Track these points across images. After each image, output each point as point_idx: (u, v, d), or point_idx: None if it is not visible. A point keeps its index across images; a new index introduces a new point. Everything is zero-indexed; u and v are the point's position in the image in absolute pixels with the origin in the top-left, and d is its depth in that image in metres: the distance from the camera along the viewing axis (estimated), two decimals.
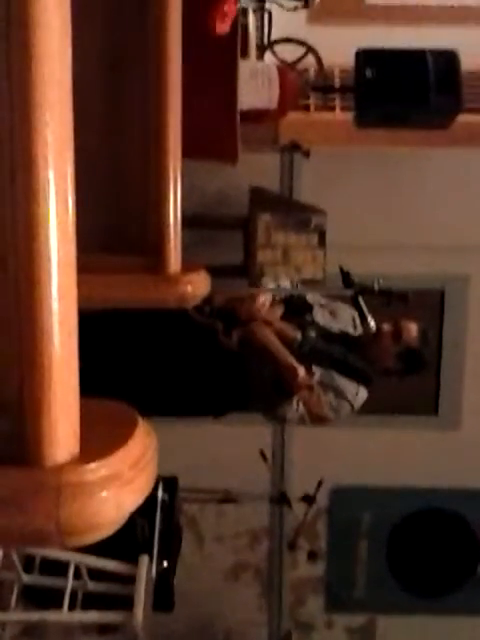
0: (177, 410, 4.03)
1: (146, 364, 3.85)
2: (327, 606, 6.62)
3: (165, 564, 4.79)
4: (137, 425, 1.26)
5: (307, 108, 5.60)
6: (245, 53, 4.21)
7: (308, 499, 5.53)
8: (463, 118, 4.59)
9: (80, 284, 1.16)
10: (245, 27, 4.13)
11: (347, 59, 4.60)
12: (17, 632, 4.44)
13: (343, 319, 4.04)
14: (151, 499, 4.53)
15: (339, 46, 4.87)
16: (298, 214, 5.37)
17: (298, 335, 3.82)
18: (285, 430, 6.14)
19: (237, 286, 4.66)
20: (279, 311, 3.93)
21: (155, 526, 4.81)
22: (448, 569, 6.51)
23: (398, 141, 5.52)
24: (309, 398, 3.77)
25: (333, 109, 5.65)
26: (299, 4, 3.99)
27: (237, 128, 3.61)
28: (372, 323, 3.77)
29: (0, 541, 1.47)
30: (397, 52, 4.45)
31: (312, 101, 5.58)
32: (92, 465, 1.15)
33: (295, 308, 3.98)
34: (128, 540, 4.44)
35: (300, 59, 5.00)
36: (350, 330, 4.01)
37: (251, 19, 4.34)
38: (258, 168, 5.54)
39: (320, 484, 5.52)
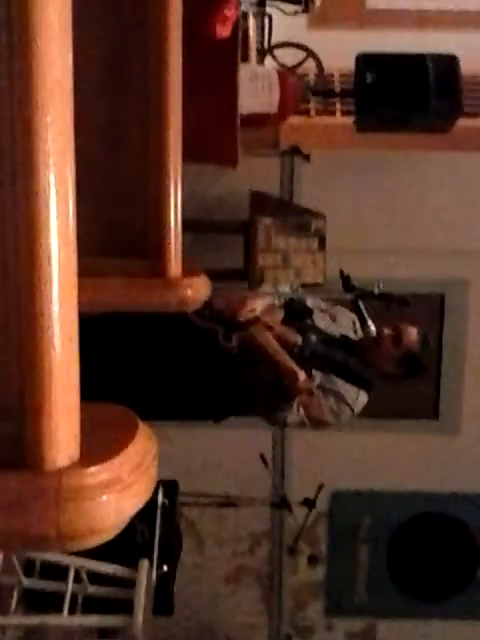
0: (177, 414, 4.03)
1: (146, 368, 3.85)
2: (327, 610, 6.61)
3: (165, 568, 4.79)
4: (137, 429, 1.26)
5: (307, 112, 5.61)
6: (245, 57, 4.21)
7: (308, 503, 5.52)
8: (463, 122, 4.61)
9: (80, 288, 1.16)
10: (245, 31, 4.14)
11: (347, 63, 4.61)
12: (17, 636, 4.43)
13: (343, 323, 4.04)
14: (151, 503, 4.53)
15: (339, 51, 4.88)
16: (298, 218, 5.38)
17: (298, 339, 3.81)
18: (285, 434, 6.14)
19: (238, 290, 4.65)
20: (279, 315, 3.93)
21: (155, 530, 4.81)
22: (448, 573, 6.50)
23: (398, 145, 5.52)
24: (309, 402, 3.76)
25: (333, 113, 5.66)
26: (299, 9, 4.00)
27: (237, 132, 3.62)
28: (372, 327, 3.77)
29: (1, 544, 1.47)
30: (397, 57, 4.46)
31: (312, 105, 5.59)
32: (92, 469, 1.15)
33: (295, 312, 3.97)
34: (128, 544, 4.43)
35: (300, 63, 5.01)
36: (350, 334, 4.01)
37: (251, 23, 4.35)
38: (258, 172, 5.55)
39: (320, 488, 5.52)
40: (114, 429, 1.26)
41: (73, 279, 1.14)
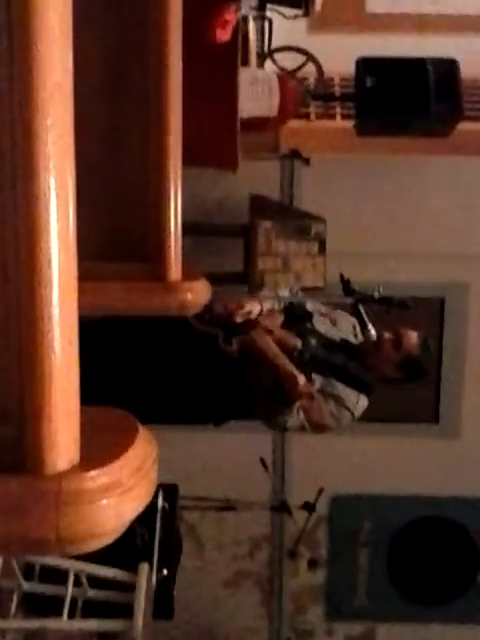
0: (177, 418, 4.02)
1: (146, 372, 3.85)
2: (327, 614, 6.61)
3: (165, 572, 4.78)
4: (137, 433, 1.26)
5: (307, 116, 5.61)
6: (245, 61, 4.21)
7: (308, 507, 5.52)
8: (463, 126, 4.61)
9: (80, 292, 1.16)
10: (245, 35, 4.14)
11: (347, 67, 4.62)
12: None
13: (343, 327, 4.04)
14: (151, 507, 4.52)
15: (339, 54, 4.89)
16: (298, 222, 5.38)
17: (298, 343, 3.81)
18: (285, 438, 6.14)
19: (238, 294, 4.65)
20: (279, 319, 3.93)
21: (155, 534, 4.80)
22: (448, 578, 6.50)
23: (398, 149, 5.52)
24: (309, 406, 3.76)
25: (333, 117, 5.66)
26: (300, 13, 4.00)
27: (237, 136, 3.62)
28: (372, 331, 3.77)
29: (0, 548, 1.47)
30: (397, 60, 4.46)
31: (312, 109, 5.59)
32: (92, 473, 1.15)
33: (295, 316, 3.97)
34: (128, 548, 4.43)
35: (300, 67, 5.01)
36: (350, 338, 4.01)
37: (252, 27, 4.35)
38: (258, 176, 5.55)
39: (320, 492, 5.52)
40: (114, 433, 1.26)
41: (73, 282, 1.14)
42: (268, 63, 4.84)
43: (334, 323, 4.04)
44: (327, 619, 6.62)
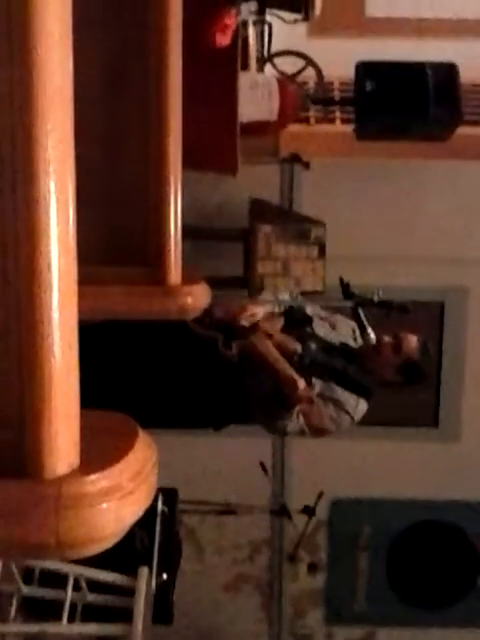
0: (177, 422, 4.02)
1: (146, 376, 3.85)
2: (327, 618, 6.60)
3: (165, 576, 4.78)
4: (137, 437, 1.26)
5: (307, 120, 5.62)
6: (245, 65, 4.22)
7: (308, 511, 5.52)
8: (462, 130, 4.61)
9: (80, 296, 1.16)
10: (245, 40, 4.14)
11: (347, 72, 4.62)
12: None
13: (343, 331, 4.04)
14: (151, 511, 4.52)
15: (339, 59, 4.89)
16: (298, 226, 5.38)
17: (298, 347, 3.81)
18: (285, 442, 6.14)
19: (238, 298, 4.65)
20: (279, 323, 3.93)
21: (155, 538, 4.80)
22: (448, 581, 6.50)
23: (398, 153, 5.53)
24: (309, 410, 3.76)
25: (333, 121, 5.66)
26: (299, 17, 4.00)
27: (237, 140, 3.62)
28: (372, 335, 3.77)
29: (0, 552, 1.47)
30: (397, 65, 4.46)
31: (312, 113, 5.59)
32: (92, 477, 1.15)
33: (295, 320, 3.97)
34: (128, 552, 4.43)
35: (300, 71, 5.02)
36: (350, 342, 4.01)
37: (251, 32, 4.35)
38: (258, 180, 5.55)
39: (320, 496, 5.51)
40: (114, 437, 1.26)
41: (73, 286, 1.14)
42: (268, 67, 4.84)
43: (334, 327, 4.04)
44: (327, 623, 6.62)
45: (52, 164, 1.08)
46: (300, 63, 5.02)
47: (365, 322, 3.78)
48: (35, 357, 1.12)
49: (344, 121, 5.47)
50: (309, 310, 4.05)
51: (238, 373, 3.82)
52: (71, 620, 4.27)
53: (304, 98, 4.43)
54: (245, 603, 6.52)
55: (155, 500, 4.77)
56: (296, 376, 3.68)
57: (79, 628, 4.30)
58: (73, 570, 4.27)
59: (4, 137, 1.09)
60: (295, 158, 5.55)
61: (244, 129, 3.70)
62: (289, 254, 5.28)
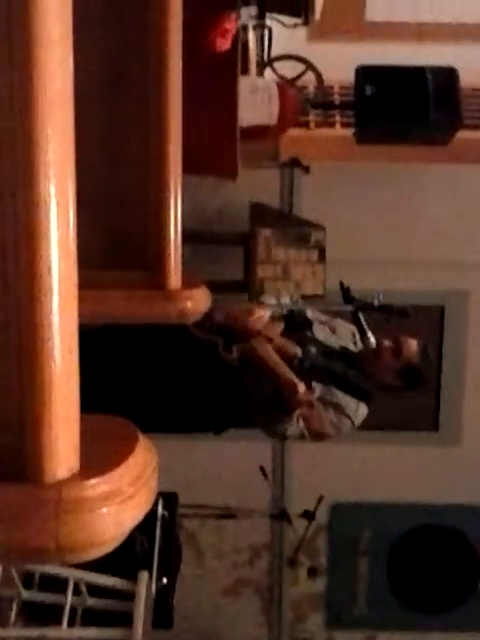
0: (177, 426, 4.02)
1: (146, 380, 3.85)
2: (327, 622, 6.60)
3: (165, 580, 4.78)
4: (137, 441, 1.26)
5: (307, 124, 5.62)
6: (245, 70, 4.22)
7: (308, 515, 5.51)
8: (462, 134, 4.61)
9: (80, 300, 1.16)
10: (245, 44, 4.15)
11: (347, 76, 4.63)
12: None
13: (343, 335, 4.03)
14: (151, 515, 4.52)
15: (339, 63, 4.89)
16: (298, 230, 5.38)
17: (298, 351, 3.81)
18: (285, 446, 6.13)
19: (238, 302, 4.66)
20: (279, 327, 3.93)
21: (155, 542, 4.80)
22: (449, 585, 6.49)
23: (398, 157, 5.53)
24: (309, 414, 3.76)
25: (333, 125, 5.67)
26: (299, 21, 4.01)
27: (237, 144, 3.63)
28: (372, 339, 3.77)
29: (0, 557, 1.47)
30: (396, 69, 4.47)
31: (312, 117, 5.60)
32: (92, 481, 1.15)
33: (295, 324, 3.97)
34: (127, 556, 4.43)
35: (300, 76, 5.02)
36: (350, 346, 4.01)
37: (251, 36, 4.36)
38: (258, 184, 5.56)
39: (320, 500, 5.51)
40: (114, 441, 1.26)
41: (73, 290, 1.14)
42: (268, 72, 4.85)
43: (334, 331, 4.03)
44: (327, 628, 6.61)
45: (52, 168, 1.08)
46: (300, 67, 5.02)
47: (365, 326, 3.78)
48: (35, 361, 1.12)
49: (344, 125, 5.47)
50: (309, 314, 4.04)
51: (238, 377, 3.81)
52: (71, 624, 4.27)
53: (304, 102, 4.44)
54: (245, 607, 6.52)
55: (155, 504, 4.77)
56: (296, 380, 3.68)
57: (79, 632, 4.29)
58: (73, 574, 4.26)
59: (4, 140, 1.09)
60: (295, 162, 5.55)
61: (244, 133, 3.71)
62: (289, 258, 5.28)
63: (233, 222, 5.74)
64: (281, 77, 4.85)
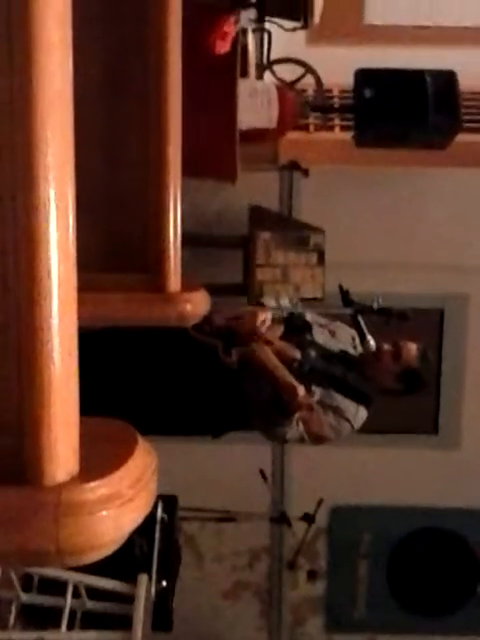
0: (177, 429, 4.02)
1: (146, 383, 3.85)
2: (327, 626, 6.59)
3: (164, 583, 4.77)
4: (137, 444, 1.26)
5: (306, 128, 5.62)
6: (245, 73, 4.22)
7: (308, 518, 5.51)
8: (461, 138, 4.61)
9: (80, 302, 1.17)
10: (245, 47, 4.15)
11: (346, 79, 4.62)
12: None
13: (343, 339, 4.03)
14: (150, 518, 4.52)
15: (338, 66, 4.89)
16: (297, 233, 5.38)
17: (298, 355, 3.81)
18: (285, 449, 6.13)
19: (237, 305, 4.66)
20: (279, 330, 3.93)
21: (154, 545, 4.79)
22: (448, 589, 6.48)
23: (397, 160, 5.53)
24: (309, 418, 3.76)
25: (332, 129, 5.67)
26: (298, 25, 4.01)
27: (236, 147, 3.63)
28: (371, 342, 3.77)
29: None
30: (396, 72, 4.47)
31: (311, 121, 5.60)
32: (92, 484, 1.15)
33: (295, 327, 3.97)
34: (127, 559, 4.42)
35: (299, 79, 5.02)
36: (350, 350, 4.01)
37: (251, 39, 4.36)
38: (258, 187, 5.56)
39: (320, 503, 5.51)
40: (113, 444, 1.26)
41: (73, 293, 1.14)
42: (267, 75, 4.85)
43: (333, 334, 4.03)
44: (326, 631, 6.60)
45: (52, 171, 1.08)
46: (299, 70, 5.02)
47: (365, 329, 3.78)
48: (35, 364, 1.12)
49: (343, 128, 5.47)
50: (309, 317, 4.05)
51: (238, 380, 3.81)
52: (70, 627, 4.26)
53: (303, 105, 4.43)
54: (244, 610, 6.51)
55: (154, 507, 4.77)
56: (296, 383, 3.67)
57: (78, 635, 4.29)
58: (72, 577, 4.26)
59: (4, 143, 1.09)
60: (294, 165, 5.55)
61: (243, 136, 3.71)
62: (288, 261, 5.28)
63: (232, 225, 5.74)
64: (280, 80, 4.85)
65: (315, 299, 5.17)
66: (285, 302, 4.22)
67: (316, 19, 4.00)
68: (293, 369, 3.74)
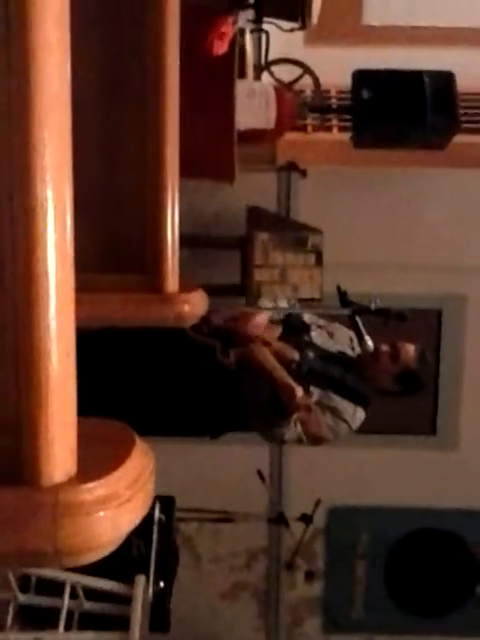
0: (174, 430, 4.02)
1: (144, 383, 3.85)
2: (325, 626, 6.59)
3: (162, 584, 4.77)
4: (134, 445, 1.26)
5: (304, 128, 5.62)
6: (242, 74, 4.22)
7: (306, 519, 5.51)
8: (459, 138, 4.61)
9: (78, 303, 1.16)
10: (242, 48, 4.15)
11: (344, 80, 4.62)
12: None
13: (341, 340, 4.04)
14: (148, 519, 4.52)
15: (336, 67, 4.89)
16: (295, 233, 5.38)
17: (296, 355, 3.81)
18: (283, 450, 6.13)
19: (235, 305, 4.65)
20: (277, 331, 3.93)
21: (152, 546, 4.79)
22: (446, 589, 6.48)
23: (395, 161, 5.53)
24: (307, 418, 3.76)
25: (330, 129, 5.67)
26: (296, 25, 4.01)
27: (234, 148, 3.63)
28: (369, 343, 3.77)
29: None
30: (394, 73, 4.46)
31: (309, 121, 5.60)
32: (89, 485, 1.15)
33: (293, 328, 3.97)
34: (125, 560, 4.42)
35: (297, 79, 5.02)
36: (348, 351, 4.01)
37: (248, 40, 4.36)
38: (255, 188, 5.55)
39: (318, 504, 5.51)
40: (111, 445, 1.26)
41: (70, 294, 1.14)
42: (265, 76, 4.85)
43: (331, 335, 4.04)
44: (324, 631, 6.60)
45: (49, 171, 1.08)
46: (297, 71, 5.02)
47: (363, 330, 3.78)
48: (32, 364, 1.12)
49: (341, 129, 5.47)
50: (307, 318, 4.05)
51: (236, 381, 3.81)
52: (68, 628, 4.26)
53: (301, 106, 4.43)
54: (242, 611, 6.51)
55: (152, 508, 4.77)
56: (294, 384, 3.67)
57: (76, 636, 4.29)
58: (70, 578, 4.26)
59: (1, 144, 1.09)
60: (292, 166, 5.55)
61: (241, 137, 3.71)
62: (286, 262, 5.28)
63: (230, 226, 5.73)
64: (278, 81, 4.85)
65: (313, 300, 5.17)
66: (283, 303, 4.22)
67: (314, 20, 4.00)
68: (291, 370, 3.74)
